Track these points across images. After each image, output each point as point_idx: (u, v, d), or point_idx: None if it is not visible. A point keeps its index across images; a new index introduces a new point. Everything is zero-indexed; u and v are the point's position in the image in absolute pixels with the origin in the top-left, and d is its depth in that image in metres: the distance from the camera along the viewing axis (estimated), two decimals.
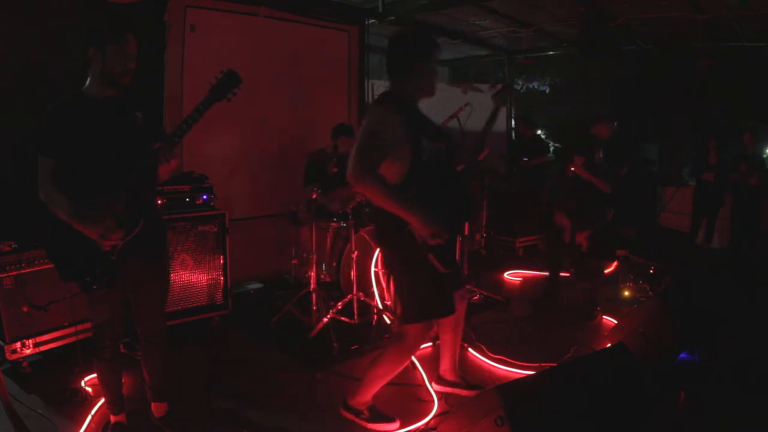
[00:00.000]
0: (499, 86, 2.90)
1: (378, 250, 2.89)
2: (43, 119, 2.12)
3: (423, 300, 2.49)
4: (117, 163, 2.13)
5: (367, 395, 2.71)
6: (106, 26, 2.16)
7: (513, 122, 8.85)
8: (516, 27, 6.75)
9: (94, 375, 2.53)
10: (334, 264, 4.22)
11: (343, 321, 3.78)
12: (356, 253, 3.91)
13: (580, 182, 4.18)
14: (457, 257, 3.63)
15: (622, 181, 5.07)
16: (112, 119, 2.19)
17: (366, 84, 5.98)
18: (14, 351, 3.07)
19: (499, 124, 8.63)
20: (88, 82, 2.21)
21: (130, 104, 2.27)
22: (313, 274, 3.90)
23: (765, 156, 6.86)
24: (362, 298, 3.92)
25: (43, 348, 3.19)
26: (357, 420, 2.70)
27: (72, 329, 3.17)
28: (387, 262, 2.68)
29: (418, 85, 2.47)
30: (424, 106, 2.56)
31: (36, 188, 2.12)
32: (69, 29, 2.24)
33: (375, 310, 3.92)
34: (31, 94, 2.83)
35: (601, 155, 4.21)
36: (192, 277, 3.77)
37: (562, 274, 4.71)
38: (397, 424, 2.70)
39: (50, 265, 3.04)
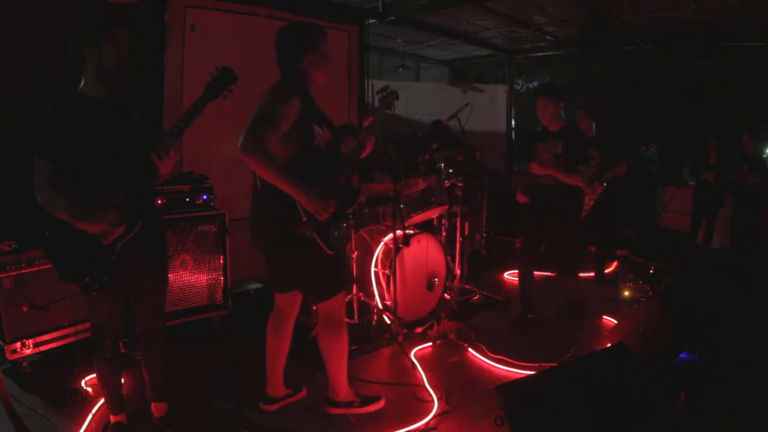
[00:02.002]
0: (386, 93, 2.89)
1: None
2: (41, 121, 2.12)
3: (333, 273, 2.62)
4: (117, 163, 2.13)
5: (345, 386, 2.80)
6: (99, 24, 2.16)
7: (513, 123, 8.85)
8: (516, 27, 6.74)
9: (94, 375, 2.53)
10: None
11: None
12: (356, 253, 3.91)
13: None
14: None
15: (620, 180, 5.06)
16: (110, 119, 2.19)
17: (366, 84, 5.98)
18: (14, 351, 3.07)
19: (500, 125, 8.64)
20: (83, 83, 2.21)
21: (127, 104, 2.27)
22: None
23: (765, 156, 6.85)
24: (362, 298, 3.93)
25: (43, 348, 3.20)
26: (352, 410, 2.79)
27: (72, 329, 3.19)
28: (273, 247, 2.63)
29: (311, 74, 2.56)
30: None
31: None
32: (69, 29, 2.24)
33: (375, 310, 3.92)
34: (31, 94, 2.84)
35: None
36: (192, 277, 3.77)
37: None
38: (383, 400, 2.87)
39: (50, 265, 3.04)
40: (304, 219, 2.42)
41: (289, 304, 2.81)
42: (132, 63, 2.21)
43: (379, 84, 6.80)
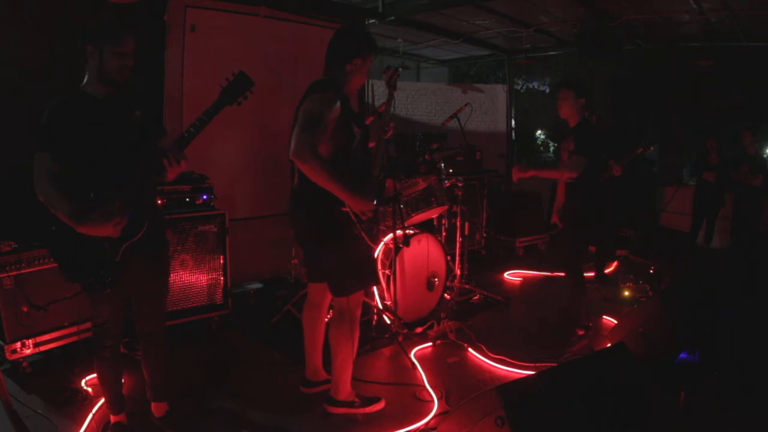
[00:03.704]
0: (391, 72, 3.04)
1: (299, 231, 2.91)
2: (42, 117, 2.12)
3: (360, 270, 2.71)
4: (117, 162, 2.13)
5: (348, 386, 2.81)
6: (105, 25, 2.16)
7: (513, 123, 8.85)
8: (516, 27, 6.74)
9: (94, 375, 2.53)
10: None
11: None
12: None
13: None
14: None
15: (619, 180, 5.05)
16: (111, 118, 2.19)
17: (366, 84, 5.98)
18: (14, 351, 3.07)
19: (500, 125, 8.64)
20: (86, 80, 2.21)
21: (128, 103, 2.27)
22: None
23: (765, 156, 6.86)
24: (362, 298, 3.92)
25: (43, 348, 3.19)
26: (352, 410, 2.79)
27: (72, 329, 3.19)
28: (312, 239, 2.77)
29: (352, 78, 2.66)
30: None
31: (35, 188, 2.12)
32: (69, 29, 2.24)
33: (375, 310, 3.92)
34: (31, 94, 2.83)
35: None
36: (192, 277, 3.77)
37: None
38: (383, 401, 2.89)
39: (50, 265, 3.05)
40: (355, 220, 2.55)
41: (319, 294, 2.91)
42: (131, 65, 2.21)
43: (379, 83, 6.81)
